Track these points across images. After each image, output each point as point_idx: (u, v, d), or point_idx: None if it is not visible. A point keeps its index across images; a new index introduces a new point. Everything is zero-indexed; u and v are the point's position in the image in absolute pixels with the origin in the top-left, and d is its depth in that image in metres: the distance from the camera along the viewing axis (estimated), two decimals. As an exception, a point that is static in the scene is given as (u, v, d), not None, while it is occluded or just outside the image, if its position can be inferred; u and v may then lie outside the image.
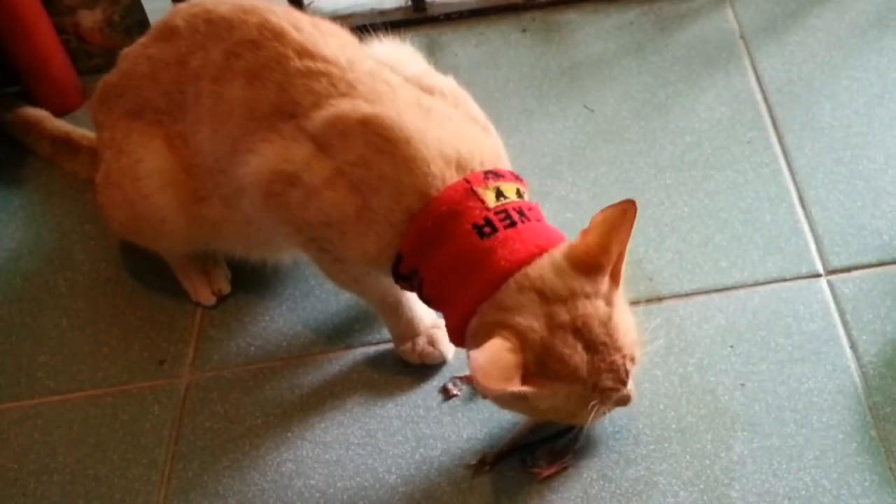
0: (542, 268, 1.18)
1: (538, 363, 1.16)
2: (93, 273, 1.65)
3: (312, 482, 1.36)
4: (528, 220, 1.22)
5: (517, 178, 1.28)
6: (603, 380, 1.19)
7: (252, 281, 1.60)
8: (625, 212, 1.16)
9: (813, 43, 1.85)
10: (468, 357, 1.22)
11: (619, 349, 1.19)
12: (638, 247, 1.56)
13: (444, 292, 1.23)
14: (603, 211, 1.18)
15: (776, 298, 1.47)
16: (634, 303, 1.49)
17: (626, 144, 1.73)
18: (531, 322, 1.15)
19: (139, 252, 1.60)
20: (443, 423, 1.39)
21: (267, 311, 1.56)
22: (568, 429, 1.33)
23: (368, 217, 1.23)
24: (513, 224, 1.20)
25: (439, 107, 1.28)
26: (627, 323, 1.22)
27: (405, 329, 1.43)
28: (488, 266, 1.18)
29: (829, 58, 1.81)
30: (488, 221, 1.20)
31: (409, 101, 1.26)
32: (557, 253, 1.19)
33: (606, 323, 1.18)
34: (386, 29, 1.48)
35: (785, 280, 1.50)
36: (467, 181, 1.22)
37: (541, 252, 1.19)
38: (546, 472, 1.32)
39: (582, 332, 1.17)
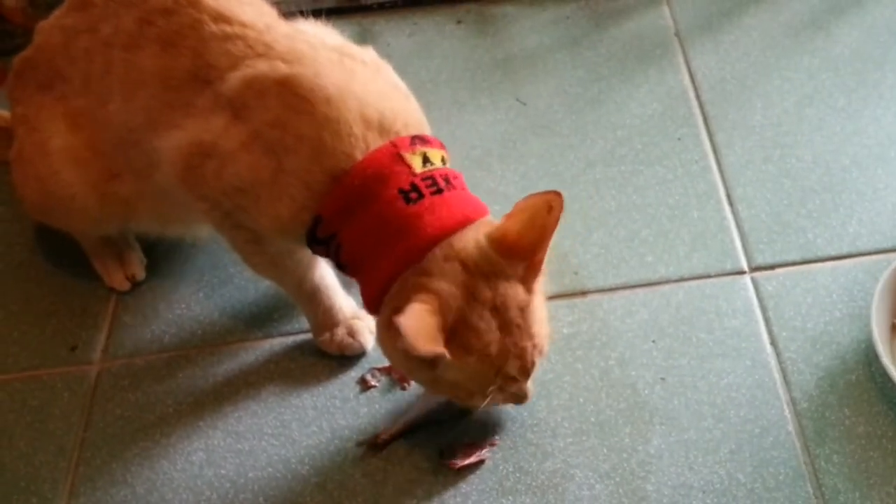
0: (467, 241, 1.16)
1: (453, 331, 1.13)
2: (6, 256, 1.61)
3: (223, 472, 1.33)
4: (455, 188, 1.20)
5: (441, 146, 1.26)
6: (509, 365, 1.17)
7: (169, 267, 1.56)
8: (549, 203, 1.13)
9: (747, 42, 1.85)
10: (377, 324, 1.21)
11: (531, 336, 1.17)
12: (564, 240, 1.55)
13: (364, 257, 1.19)
14: (526, 198, 1.15)
15: (700, 294, 1.47)
16: (559, 296, 1.48)
17: (557, 138, 1.71)
18: (451, 289, 1.13)
19: (54, 235, 1.56)
20: (359, 414, 1.37)
21: (183, 299, 1.53)
22: (459, 416, 1.33)
23: (283, 180, 1.19)
24: (439, 191, 1.18)
25: (361, 70, 1.26)
26: (542, 315, 1.20)
27: (324, 319, 1.40)
28: (414, 232, 1.16)
29: (762, 57, 1.82)
30: (415, 187, 1.17)
31: (330, 61, 1.23)
32: (480, 231, 1.17)
33: (524, 308, 1.17)
34: (318, 16, 1.46)
35: (709, 276, 1.49)
36: (394, 145, 1.19)
37: (467, 221, 1.17)
38: (461, 463, 1.30)
39: (499, 311, 1.15)
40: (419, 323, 1.10)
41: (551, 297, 1.46)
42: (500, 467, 1.30)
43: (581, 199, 1.61)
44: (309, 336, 1.45)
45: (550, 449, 1.31)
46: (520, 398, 1.24)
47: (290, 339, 1.47)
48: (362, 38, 1.91)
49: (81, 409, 1.41)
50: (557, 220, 1.13)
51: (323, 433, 1.36)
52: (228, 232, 1.32)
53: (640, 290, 1.49)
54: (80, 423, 1.40)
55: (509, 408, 1.34)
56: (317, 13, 1.45)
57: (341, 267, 1.24)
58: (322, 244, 1.22)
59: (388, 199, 1.17)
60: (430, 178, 1.19)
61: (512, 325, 1.16)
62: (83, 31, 1.35)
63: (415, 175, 1.19)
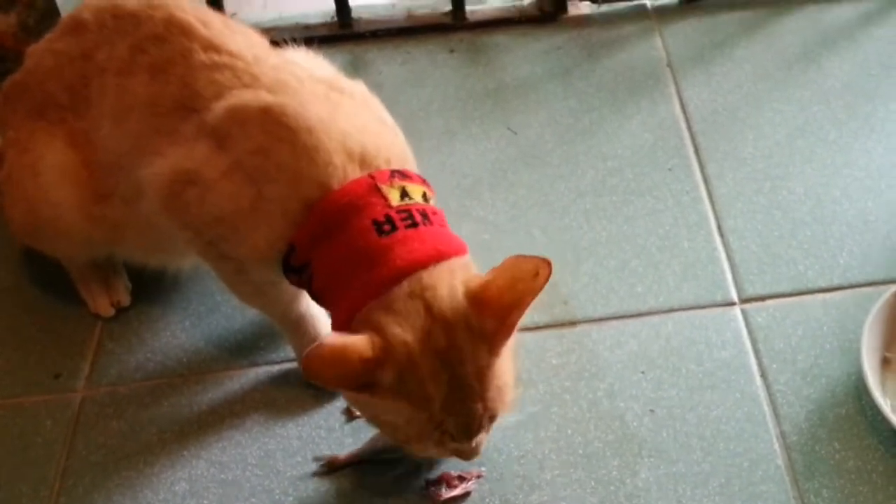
0: (439, 282, 1.13)
1: (398, 378, 1.10)
2: (-9, 281, 1.61)
3: (206, 502, 1.31)
4: (432, 223, 1.18)
5: (424, 182, 1.25)
6: (449, 423, 1.13)
7: (155, 294, 1.55)
8: (537, 268, 1.09)
9: (739, 74, 1.85)
10: None
11: (483, 400, 1.13)
12: (554, 270, 1.52)
13: (334, 287, 1.17)
14: (517, 257, 1.10)
15: (690, 325, 1.46)
16: (548, 326, 1.47)
17: (548, 168, 1.71)
18: (406, 336, 1.10)
19: (40, 261, 1.55)
20: (344, 444, 1.35)
21: (168, 326, 1.51)
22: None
23: (262, 207, 1.19)
24: (414, 225, 1.16)
25: (347, 103, 1.25)
26: (506, 380, 1.16)
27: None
28: (383, 264, 1.13)
29: (753, 89, 1.82)
30: (389, 219, 1.16)
31: (314, 93, 1.23)
32: (459, 275, 1.14)
33: (482, 369, 1.12)
34: (310, 44, 1.45)
35: (699, 307, 1.48)
36: (372, 177, 1.18)
37: (440, 256, 1.14)
38: (446, 495, 1.28)
39: (452, 366, 1.11)
40: (342, 354, 1.07)
41: (540, 328, 1.47)
42: (487, 500, 1.29)
43: (571, 229, 1.61)
44: (295, 365, 1.43)
45: (537, 481, 1.30)
46: (463, 455, 1.20)
47: (275, 368, 1.45)
48: (354, 67, 1.91)
49: (64, 438, 1.40)
50: (542, 287, 1.09)
51: (307, 464, 1.34)
52: (213, 262, 1.31)
53: (629, 321, 1.47)
54: (62, 451, 1.38)
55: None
56: (309, 41, 1.46)
57: (315, 297, 1.23)
58: (296, 273, 1.21)
59: (361, 230, 1.16)
60: (406, 212, 1.17)
61: (464, 383, 1.11)
62: (76, 57, 1.36)
63: (390, 207, 1.17)
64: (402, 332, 1.10)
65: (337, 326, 1.18)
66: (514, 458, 1.32)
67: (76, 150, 1.37)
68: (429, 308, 1.11)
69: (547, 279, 1.09)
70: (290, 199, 1.18)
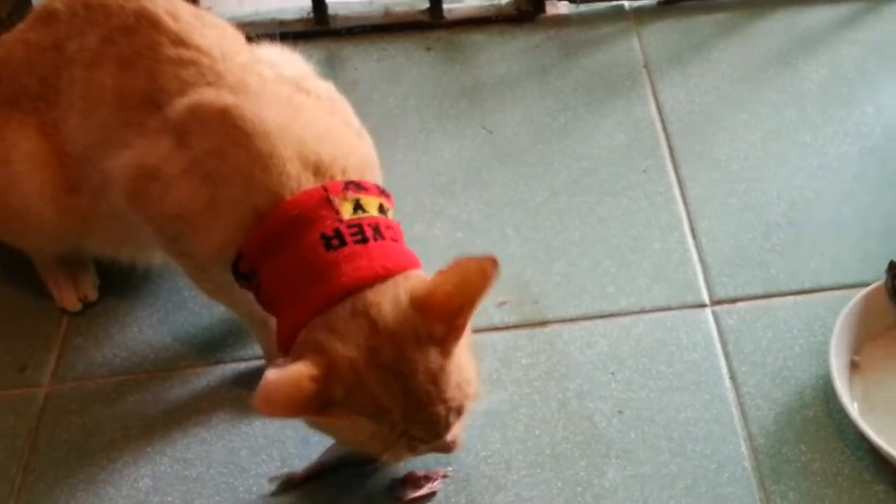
0: (383, 295, 1.11)
1: (347, 394, 1.08)
2: (-43, 275, 1.59)
3: (169, 499, 1.30)
4: (384, 238, 1.16)
5: (382, 193, 1.23)
6: (414, 429, 1.12)
7: (123, 290, 1.54)
8: (483, 269, 1.07)
9: (715, 76, 1.85)
10: None
11: (444, 401, 1.11)
12: (526, 269, 1.54)
13: (280, 299, 1.16)
14: (462, 259, 1.09)
15: (660, 327, 1.45)
16: (519, 326, 1.46)
17: (523, 167, 1.70)
18: (350, 352, 1.08)
19: (5, 254, 1.53)
20: (310, 443, 1.34)
21: (136, 322, 1.50)
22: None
23: (217, 209, 1.18)
24: (364, 240, 1.14)
25: (311, 107, 1.24)
26: (465, 375, 1.14)
27: (276, 346, 1.38)
28: (328, 280, 1.11)
29: (730, 91, 1.82)
30: (338, 234, 1.14)
31: (277, 96, 1.22)
32: (403, 284, 1.12)
33: (435, 373, 1.10)
34: (285, 40, 1.45)
35: (670, 309, 1.48)
36: (325, 189, 1.17)
37: (387, 274, 1.12)
38: (412, 495, 1.27)
39: (404, 377, 1.09)
40: (287, 382, 1.05)
41: (510, 327, 1.46)
42: (452, 500, 1.28)
43: (544, 228, 1.60)
44: (262, 363, 1.42)
45: (504, 482, 1.29)
46: (442, 449, 1.19)
47: (242, 366, 1.44)
48: (330, 63, 1.90)
49: (27, 433, 1.38)
50: (489, 286, 1.08)
51: (273, 461, 1.33)
52: (176, 258, 1.30)
53: (600, 322, 1.47)
54: (25, 446, 1.37)
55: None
56: (285, 37, 1.45)
57: (262, 305, 1.21)
58: (244, 279, 1.20)
59: (309, 244, 1.14)
60: (357, 227, 1.15)
61: (419, 391, 1.10)
62: (48, 47, 1.35)
63: (341, 221, 1.15)
64: (345, 348, 1.08)
65: (280, 341, 1.17)
66: (480, 457, 1.31)
67: (48, 140, 1.36)
68: (373, 325, 1.09)
69: (493, 278, 1.07)
70: (243, 204, 1.16)
